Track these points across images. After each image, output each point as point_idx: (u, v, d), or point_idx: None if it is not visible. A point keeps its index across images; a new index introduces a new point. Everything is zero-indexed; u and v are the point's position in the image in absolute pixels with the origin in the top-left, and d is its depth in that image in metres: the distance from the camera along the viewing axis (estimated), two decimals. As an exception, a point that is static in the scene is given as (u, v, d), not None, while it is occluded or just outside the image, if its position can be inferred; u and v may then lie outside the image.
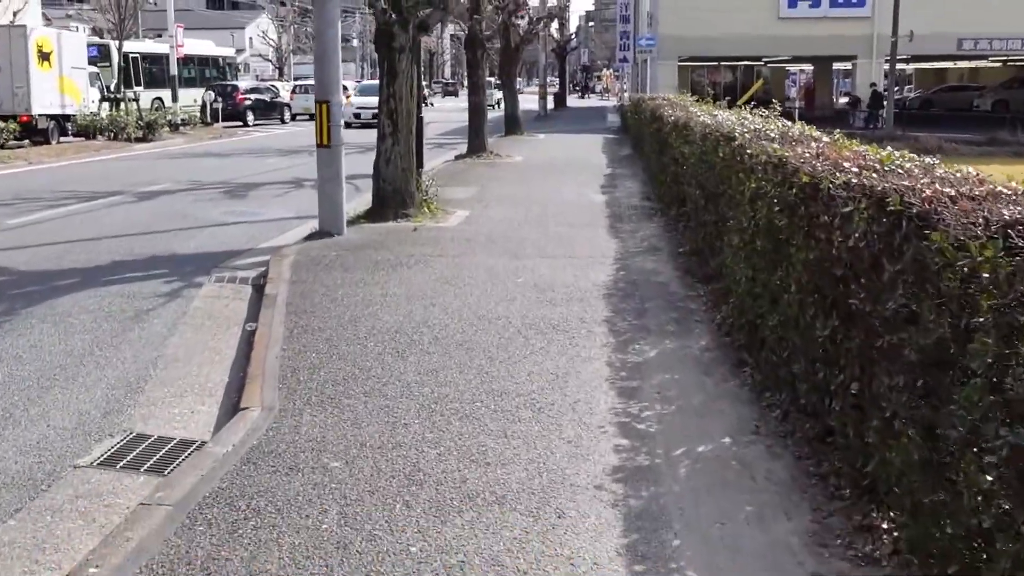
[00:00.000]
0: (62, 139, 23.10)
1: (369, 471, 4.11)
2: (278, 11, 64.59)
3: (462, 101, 36.10)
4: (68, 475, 4.33)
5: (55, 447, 4.64)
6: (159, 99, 29.36)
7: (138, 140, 23.45)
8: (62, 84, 23.10)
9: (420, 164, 12.51)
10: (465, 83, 29.40)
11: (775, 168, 4.99)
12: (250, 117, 32.22)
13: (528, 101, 36.47)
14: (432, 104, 51.69)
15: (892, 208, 3.47)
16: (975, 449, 2.77)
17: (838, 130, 5.90)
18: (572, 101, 60.74)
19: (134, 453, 4.57)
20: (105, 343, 6.23)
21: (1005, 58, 37.70)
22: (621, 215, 11.28)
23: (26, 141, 22.11)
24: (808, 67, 48.20)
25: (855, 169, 4.18)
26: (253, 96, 32.99)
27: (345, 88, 42.19)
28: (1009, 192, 3.31)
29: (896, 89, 34.59)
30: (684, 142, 9.89)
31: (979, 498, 2.73)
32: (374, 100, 26.06)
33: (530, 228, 10.22)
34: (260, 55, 62.52)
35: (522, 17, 27.67)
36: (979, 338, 2.69)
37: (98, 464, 4.47)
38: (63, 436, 4.76)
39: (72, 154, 20.70)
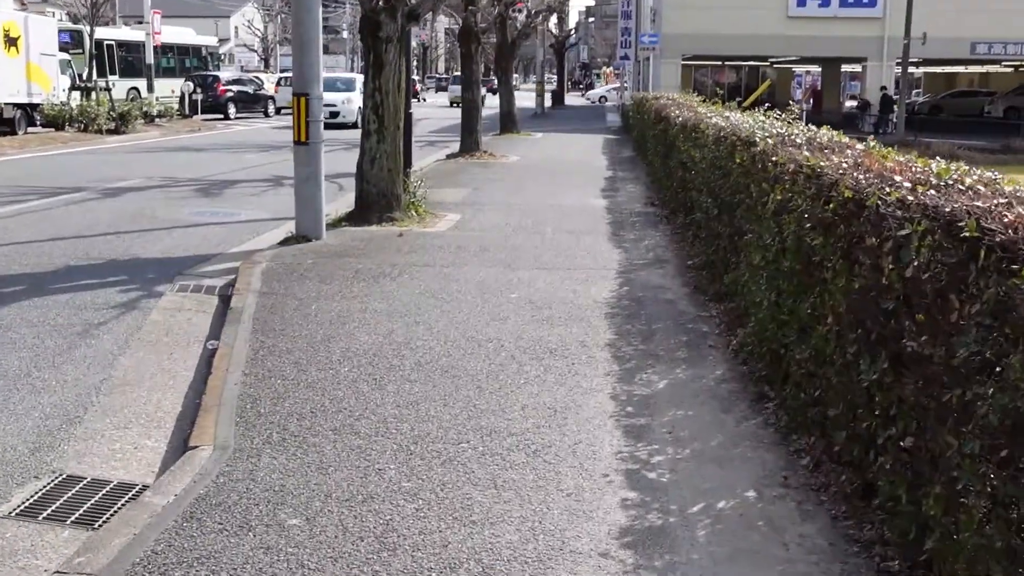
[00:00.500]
0: (30, 130, 22.26)
1: (333, 531, 3.46)
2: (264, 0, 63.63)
3: (490, 97, 35.50)
4: (-23, 530, 3.68)
5: (-32, 493, 3.98)
6: (135, 89, 28.50)
7: (110, 132, 22.61)
8: (30, 71, 22.26)
9: (408, 164, 11.86)
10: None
11: (808, 179, 4.36)
12: (232, 110, 31.37)
13: (523, 99, 35.77)
14: (424, 99, 51.14)
15: (967, 235, 2.84)
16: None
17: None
18: (571, 99, 60.00)
19: (62, 500, 3.91)
20: (45, 363, 5.56)
21: (1018, 63, 37.15)
22: (623, 222, 10.64)
23: None
24: (814, 68, 47.59)
25: (907, 184, 3.55)
26: (235, 88, 32.09)
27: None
28: None
29: (887, 91, 33.96)
30: (694, 145, 9.26)
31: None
32: (334, 97, 24.67)
33: (526, 235, 9.57)
34: (245, 45, 61.58)
35: (519, 11, 27.02)
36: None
37: (17, 514, 3.81)
38: (-20, 478, 4.10)
39: (37, 146, 19.86)
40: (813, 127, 7.09)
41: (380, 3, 9.61)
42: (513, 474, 3.93)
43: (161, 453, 4.45)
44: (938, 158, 4.14)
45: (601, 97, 61.51)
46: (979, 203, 3.03)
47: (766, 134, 5.88)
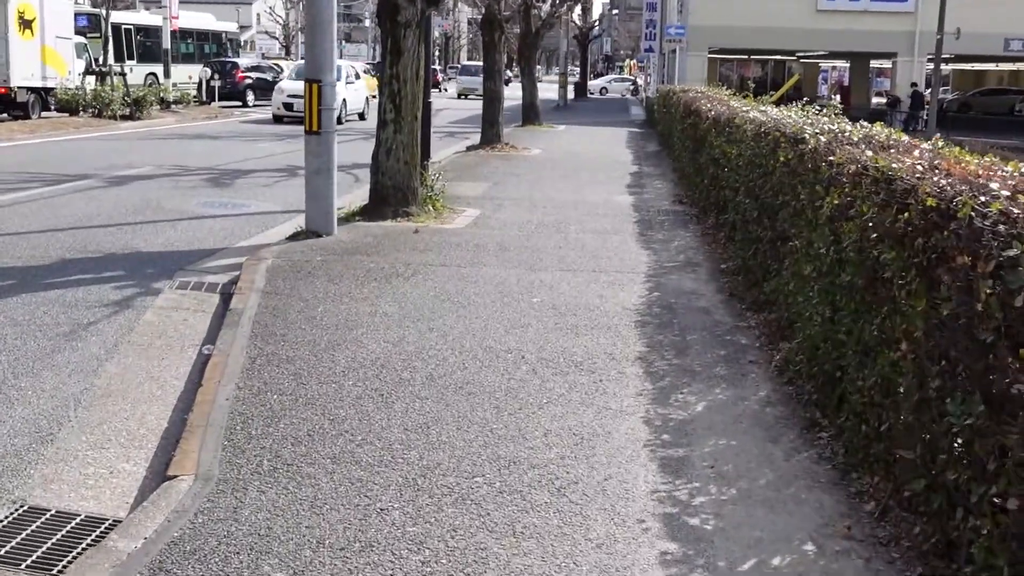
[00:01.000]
0: (44, 114, 21.89)
1: (324, 586, 2.97)
2: (287, -13, 63.18)
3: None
4: (-81, 573, 3.21)
5: (-83, 525, 3.51)
6: (153, 74, 28.08)
7: (124, 118, 22.18)
8: (45, 54, 21.87)
9: (426, 156, 11.35)
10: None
11: (875, 183, 3.80)
12: (250, 97, 30.90)
13: (545, 90, 35.14)
14: (445, 89, 50.47)
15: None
16: None
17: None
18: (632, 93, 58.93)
19: (19, 538, 3.44)
20: (24, 369, 5.10)
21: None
22: (651, 221, 10.09)
23: (4, 115, 20.98)
24: (839, 64, 46.68)
25: (1005, 192, 3.00)
26: (254, 75, 31.58)
27: (354, 70, 40.83)
28: None
29: (918, 88, 33.06)
30: (728, 141, 8.70)
31: None
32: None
33: (548, 234, 9.04)
34: (267, 32, 61.20)
35: (543, 1, 26.43)
36: None
37: (-32, 553, 3.34)
38: (-67, 507, 3.64)
39: (48, 130, 19.43)
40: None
41: (399, -14, 9.08)
42: (534, 518, 3.42)
43: (139, 479, 3.97)
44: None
45: (602, 88, 60.91)
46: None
47: (816, 130, 5.32)
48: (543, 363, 5.13)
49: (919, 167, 3.64)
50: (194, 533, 3.26)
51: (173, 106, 25.61)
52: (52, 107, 22.47)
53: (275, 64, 34.37)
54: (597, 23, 56.68)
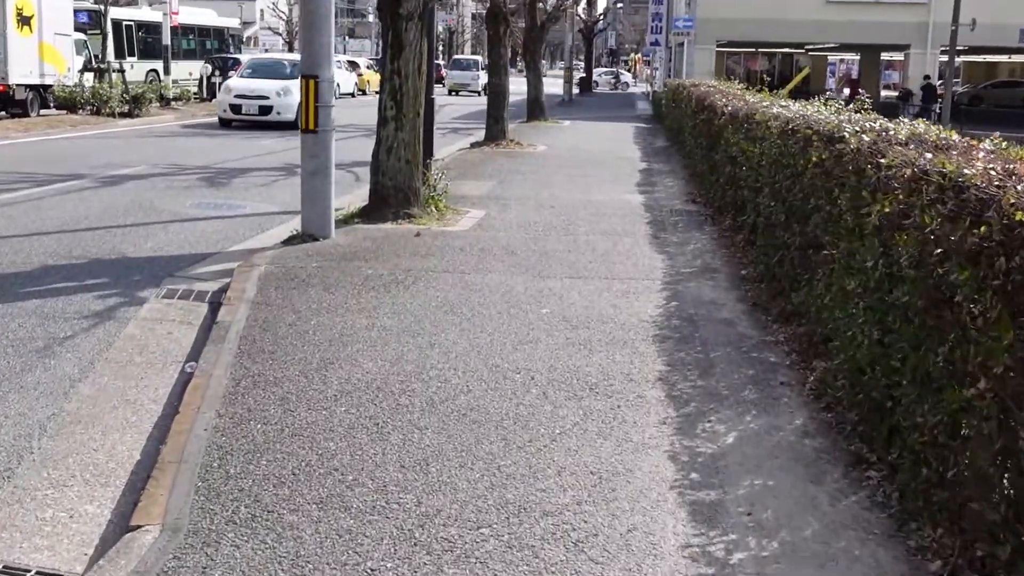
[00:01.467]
0: (43, 112, 21.47)
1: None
2: (290, -18, 62.56)
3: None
4: None
5: None
6: (154, 71, 27.60)
7: (123, 115, 21.71)
8: (43, 51, 21.44)
9: (429, 154, 10.88)
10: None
11: (941, 191, 3.33)
12: None
13: (550, 85, 34.62)
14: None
15: None
16: None
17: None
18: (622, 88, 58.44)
19: (-41, 599, 3.00)
20: (-15, 393, 4.66)
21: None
22: (664, 221, 9.61)
23: (2, 113, 20.54)
24: (847, 56, 46.08)
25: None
26: (256, 70, 31.37)
27: (355, 64, 40.24)
28: None
29: (942, 83, 32.50)
30: (746, 138, 8.22)
31: None
32: (268, 85, 19.96)
33: (556, 236, 8.57)
34: (270, 28, 60.70)
35: (549, -6, 25.95)
36: None
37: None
38: None
39: (44, 128, 18.96)
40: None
41: (399, -25, 8.61)
42: (549, 579, 2.97)
43: (102, 524, 3.52)
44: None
45: (593, 82, 60.56)
46: None
47: (856, 128, 4.85)
48: (555, 385, 4.68)
49: (992, 172, 3.17)
50: (155, 601, 2.82)
51: (173, 103, 25.17)
52: (51, 104, 22.05)
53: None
54: (602, 17, 56.07)
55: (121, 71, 23.87)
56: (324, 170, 7.95)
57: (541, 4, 23.67)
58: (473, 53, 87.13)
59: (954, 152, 3.78)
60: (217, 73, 29.15)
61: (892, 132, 4.56)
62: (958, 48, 27.48)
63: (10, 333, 5.59)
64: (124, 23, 28.45)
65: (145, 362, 5.30)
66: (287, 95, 19.58)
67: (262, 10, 64.68)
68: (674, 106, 19.74)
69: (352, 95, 37.02)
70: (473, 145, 17.53)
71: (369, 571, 2.99)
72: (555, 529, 3.27)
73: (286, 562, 3.03)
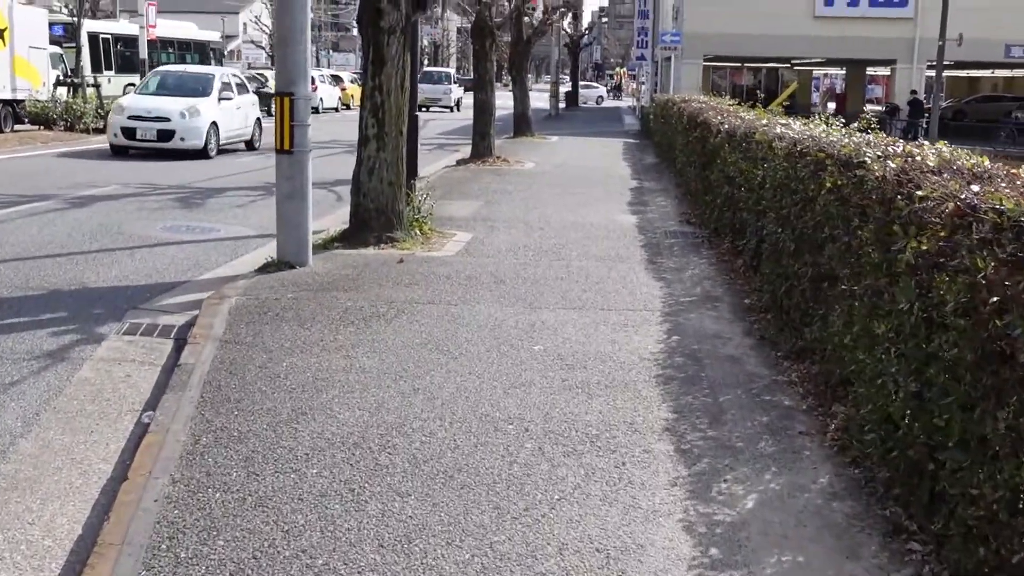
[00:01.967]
0: (17, 127, 20.88)
1: None
2: (272, -5, 62.13)
3: (467, 97, 33.96)
4: None
5: None
6: (132, 85, 27.01)
7: (98, 131, 21.06)
8: (16, 65, 20.91)
9: (413, 173, 10.44)
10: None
11: (998, 230, 2.91)
12: None
13: (535, 99, 34.24)
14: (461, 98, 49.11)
15: None
16: None
17: None
18: (592, 101, 58.24)
19: None
20: (-89, 455, 4.16)
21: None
22: (659, 244, 9.19)
23: None
24: (833, 71, 46.06)
25: None
26: (236, 85, 30.73)
27: (338, 78, 39.65)
28: None
29: (926, 97, 32.37)
30: (745, 158, 7.84)
31: None
32: (170, 105, 16.30)
33: (547, 261, 8.13)
34: (253, 42, 60.29)
35: (533, 9, 25.65)
36: None
37: None
38: None
39: (14, 145, 18.34)
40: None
41: (380, -12, 8.18)
42: None
43: (31, 620, 3.04)
44: None
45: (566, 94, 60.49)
46: None
47: (878, 152, 4.43)
48: (551, 438, 4.22)
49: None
50: None
51: (151, 118, 24.57)
52: (25, 120, 21.48)
53: (259, 74, 33.39)
54: (588, 31, 55.93)
55: (96, 85, 23.29)
56: (300, 193, 7.49)
57: (527, 18, 23.33)
58: (458, 67, 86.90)
59: (1001, 183, 3.37)
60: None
61: (919, 157, 4.15)
62: (947, 62, 27.34)
63: (-49, 378, 5.09)
64: (101, 36, 27.90)
65: (98, 411, 4.81)
66: (194, 116, 16.44)
67: (245, 24, 64.25)
68: (663, 122, 19.40)
69: (336, 109, 36.69)
70: (459, 162, 17.11)
71: None
72: (558, 626, 2.81)
73: (240, 677, 2.56)
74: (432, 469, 3.88)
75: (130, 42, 27.87)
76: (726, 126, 9.15)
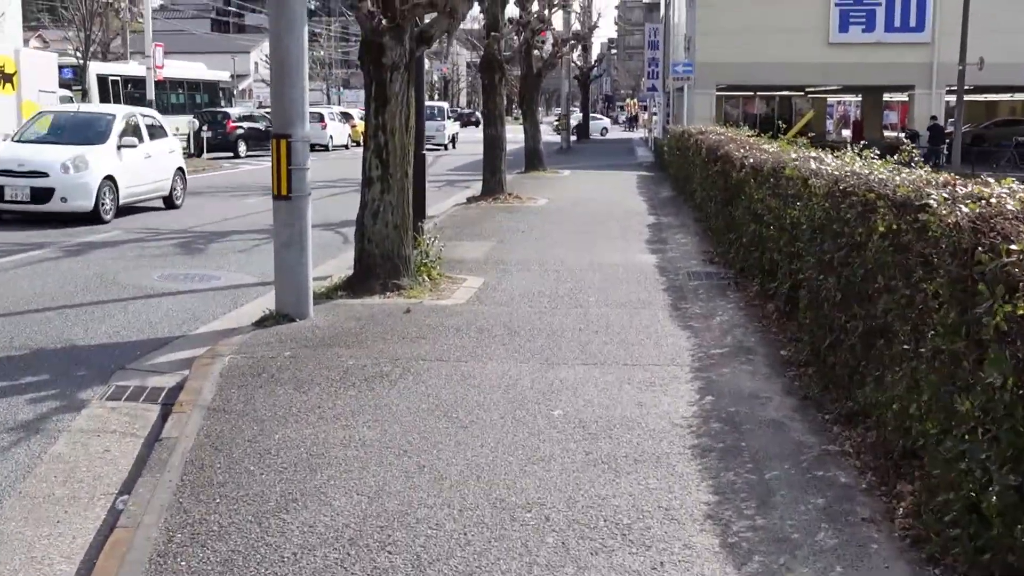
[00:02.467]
0: None
1: None
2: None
3: (476, 132, 33.69)
4: None
5: None
6: None
7: None
8: (25, 110, 20.71)
9: (420, 215, 9.99)
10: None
11: None
12: (242, 148, 29.66)
13: (546, 132, 33.95)
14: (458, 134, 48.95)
15: None
16: None
17: None
18: (597, 133, 58.10)
19: None
20: None
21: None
22: (683, 287, 8.65)
23: None
24: (847, 98, 45.61)
25: None
26: (246, 124, 30.25)
27: (348, 115, 39.36)
28: None
29: (937, 121, 31.75)
30: (775, 195, 7.33)
31: None
32: (50, 155, 12.50)
33: (564, 309, 7.60)
34: (264, 81, 60.53)
35: (543, 42, 25.36)
36: None
37: None
38: None
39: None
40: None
41: (383, 23, 7.76)
42: None
43: None
44: None
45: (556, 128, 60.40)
46: None
47: (945, 194, 3.90)
48: (576, 530, 3.67)
49: None
50: None
51: (157, 159, 24.29)
52: None
53: (267, 114, 33.22)
54: (597, 63, 55.80)
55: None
56: (299, 241, 7.01)
57: (537, 51, 23.01)
58: (469, 102, 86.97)
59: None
60: (206, 128, 28.49)
61: (996, 200, 3.62)
62: (967, 87, 26.82)
63: (-92, 458, 4.59)
64: (111, 78, 27.79)
65: (68, 496, 4.29)
66: (81, 170, 12.76)
67: (256, 63, 64.58)
68: (679, 154, 18.95)
69: (346, 147, 36.50)
70: (470, 200, 16.66)
71: None
72: None
73: None
74: (438, 574, 3.33)
75: (140, 83, 27.74)
76: (751, 160, 8.65)
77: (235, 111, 32.20)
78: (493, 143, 17.35)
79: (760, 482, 4.17)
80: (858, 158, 6.38)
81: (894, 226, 4.31)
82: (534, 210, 15.25)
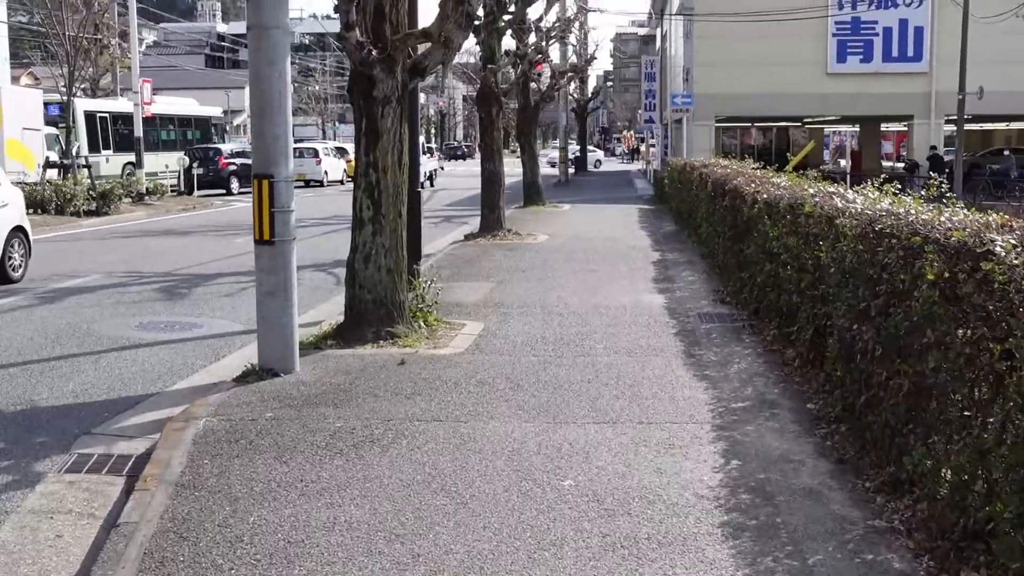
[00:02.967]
0: None
1: None
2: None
3: (473, 165, 33.38)
4: None
5: None
6: (131, 164, 26.37)
7: (89, 213, 20.23)
8: (10, 148, 20.31)
9: (416, 256, 9.51)
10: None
11: None
12: (234, 184, 29.26)
13: (544, 165, 33.61)
14: (442, 168, 48.80)
15: None
16: None
17: None
18: (591, 165, 57.94)
19: None
20: None
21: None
22: (694, 331, 8.13)
23: None
24: (844, 128, 45.38)
25: None
26: (239, 161, 29.78)
27: (343, 151, 38.93)
28: None
29: (937, 151, 31.43)
30: (793, 232, 6.85)
31: None
32: None
33: (570, 358, 7.08)
34: (260, 117, 60.47)
35: (539, 75, 25.07)
36: None
37: None
38: None
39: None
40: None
41: (374, 54, 7.32)
42: None
43: None
44: None
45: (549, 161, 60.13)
46: None
47: (1013, 240, 3.41)
48: (596, 637, 3.12)
49: None
50: None
51: (147, 198, 23.87)
52: None
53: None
54: (594, 96, 55.74)
55: (87, 166, 22.56)
56: (284, 289, 6.50)
57: (534, 84, 22.68)
58: (465, 136, 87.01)
59: None
60: (197, 164, 28.09)
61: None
62: (967, 116, 26.50)
63: None
64: (98, 115, 27.42)
65: (8, 596, 3.74)
66: None
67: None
68: (680, 187, 18.53)
69: (341, 182, 36.12)
70: (467, 237, 16.18)
71: None
72: None
73: None
74: None
75: (129, 120, 27.42)
76: (764, 195, 8.18)
77: (227, 147, 31.84)
78: (492, 179, 16.89)
79: (803, 569, 3.62)
80: (880, 193, 5.93)
81: (946, 274, 3.82)
82: (534, 247, 14.76)
